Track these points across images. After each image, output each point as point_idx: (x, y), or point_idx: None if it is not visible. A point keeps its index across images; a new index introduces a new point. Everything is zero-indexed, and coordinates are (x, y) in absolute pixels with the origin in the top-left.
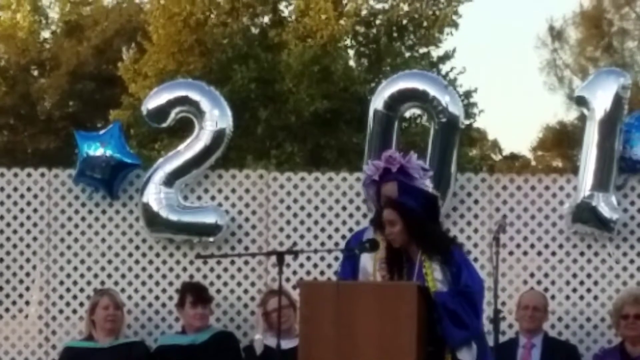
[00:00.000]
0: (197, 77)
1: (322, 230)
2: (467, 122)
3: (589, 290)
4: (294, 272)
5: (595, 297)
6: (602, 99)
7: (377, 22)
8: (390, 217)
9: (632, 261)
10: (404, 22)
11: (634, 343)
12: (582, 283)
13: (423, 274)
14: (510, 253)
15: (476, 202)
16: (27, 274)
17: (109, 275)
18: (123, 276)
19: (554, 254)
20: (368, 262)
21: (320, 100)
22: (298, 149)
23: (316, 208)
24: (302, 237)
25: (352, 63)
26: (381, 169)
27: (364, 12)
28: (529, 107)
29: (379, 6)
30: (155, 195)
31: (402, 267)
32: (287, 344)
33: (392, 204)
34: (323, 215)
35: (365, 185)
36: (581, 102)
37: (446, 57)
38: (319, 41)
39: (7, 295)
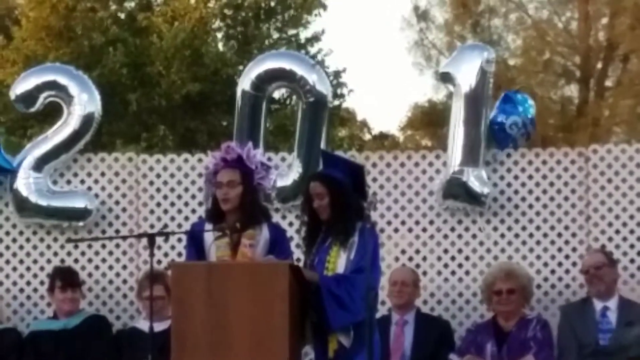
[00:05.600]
0: (66, 62)
1: (193, 211)
2: (336, 102)
3: (460, 265)
4: (166, 254)
5: (467, 272)
6: (466, 74)
7: (245, 4)
8: (317, 190)
9: (502, 235)
10: (272, 4)
11: (506, 318)
12: (453, 258)
13: (328, 251)
14: (381, 230)
15: None
16: None
17: None
18: None
19: (424, 230)
20: (212, 248)
21: (191, 84)
22: (169, 133)
23: (186, 190)
24: (172, 219)
25: (221, 46)
26: (219, 158)
27: None
28: (399, 87)
29: None
30: (24, 180)
31: (316, 242)
32: (159, 327)
33: (319, 176)
34: (193, 197)
35: (208, 180)
36: (446, 78)
37: (315, 38)
38: (187, 25)
39: None
